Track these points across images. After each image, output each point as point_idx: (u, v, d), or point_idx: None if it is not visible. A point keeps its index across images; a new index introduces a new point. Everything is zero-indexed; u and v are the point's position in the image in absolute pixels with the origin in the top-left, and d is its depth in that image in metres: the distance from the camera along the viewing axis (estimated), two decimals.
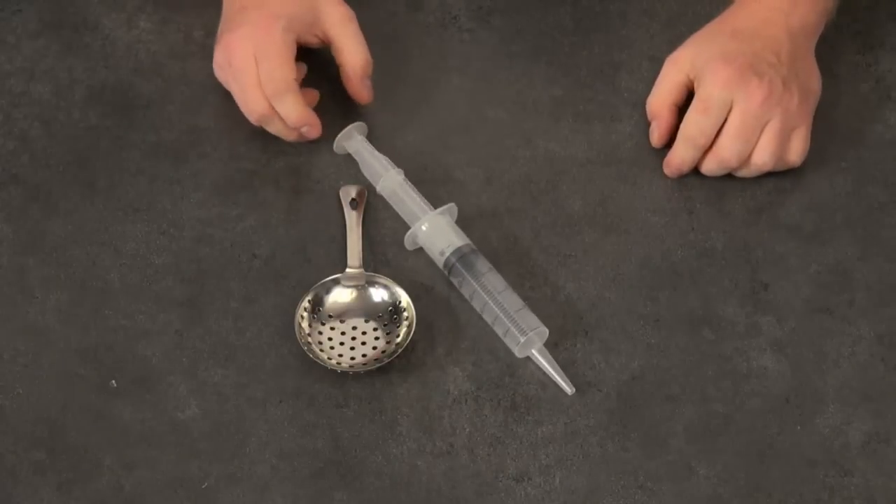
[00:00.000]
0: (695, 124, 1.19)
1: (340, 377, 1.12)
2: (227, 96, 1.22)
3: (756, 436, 1.10)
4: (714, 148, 1.19)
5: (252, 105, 1.19)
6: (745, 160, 1.19)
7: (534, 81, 1.27)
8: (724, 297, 1.16)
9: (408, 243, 1.17)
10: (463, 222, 1.18)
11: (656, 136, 1.22)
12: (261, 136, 1.22)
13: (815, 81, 1.21)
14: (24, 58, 1.28)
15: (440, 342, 1.14)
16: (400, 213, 1.19)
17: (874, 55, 1.29)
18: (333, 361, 1.13)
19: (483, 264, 1.15)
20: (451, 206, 1.17)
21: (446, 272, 1.16)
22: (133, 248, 1.18)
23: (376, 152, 1.20)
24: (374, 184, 1.20)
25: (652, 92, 1.23)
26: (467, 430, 1.10)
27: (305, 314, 1.14)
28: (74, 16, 1.30)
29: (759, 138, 1.18)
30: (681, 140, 1.20)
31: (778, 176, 1.21)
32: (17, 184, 1.21)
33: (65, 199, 1.20)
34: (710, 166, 1.20)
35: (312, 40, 1.22)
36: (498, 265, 1.15)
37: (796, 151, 1.19)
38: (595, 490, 1.08)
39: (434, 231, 1.16)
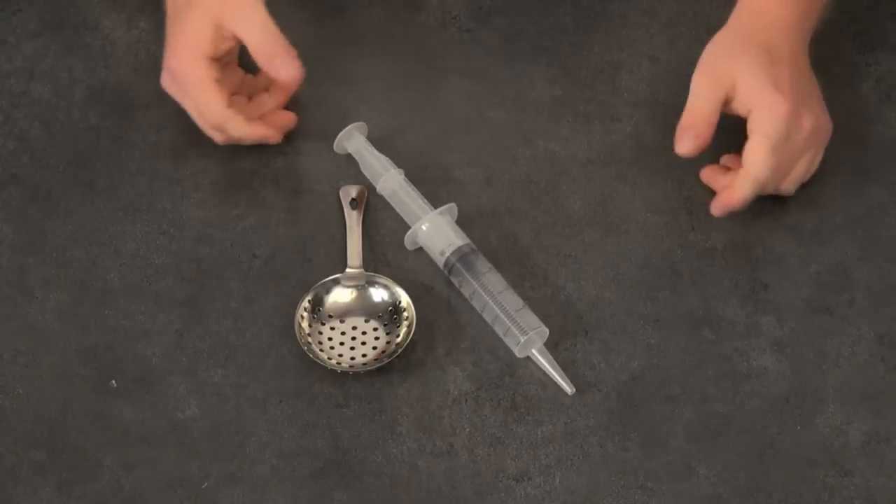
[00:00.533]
0: (765, 165, 1.12)
1: (340, 377, 1.12)
2: None
3: (756, 436, 1.10)
4: None
5: (214, 138, 1.20)
6: None
7: (534, 81, 1.27)
8: (724, 297, 1.16)
9: (408, 243, 1.17)
10: (463, 222, 1.18)
11: (692, 148, 1.13)
12: None
13: (816, 85, 1.19)
14: (24, 58, 1.28)
15: (440, 342, 1.14)
16: (400, 212, 1.19)
17: (874, 55, 1.29)
18: (333, 361, 1.12)
19: (483, 264, 1.15)
20: (452, 206, 1.17)
21: (446, 272, 1.16)
22: (133, 248, 1.18)
23: (376, 152, 1.21)
24: (374, 183, 1.20)
25: (691, 105, 1.14)
26: (467, 430, 1.10)
27: (305, 314, 1.14)
28: (74, 16, 1.30)
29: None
30: (747, 180, 1.13)
31: None
32: (17, 184, 1.21)
33: (65, 199, 1.20)
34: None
35: (229, 44, 1.17)
36: (498, 265, 1.15)
37: (809, 172, 1.18)
38: (595, 490, 1.08)
39: (434, 231, 1.16)
